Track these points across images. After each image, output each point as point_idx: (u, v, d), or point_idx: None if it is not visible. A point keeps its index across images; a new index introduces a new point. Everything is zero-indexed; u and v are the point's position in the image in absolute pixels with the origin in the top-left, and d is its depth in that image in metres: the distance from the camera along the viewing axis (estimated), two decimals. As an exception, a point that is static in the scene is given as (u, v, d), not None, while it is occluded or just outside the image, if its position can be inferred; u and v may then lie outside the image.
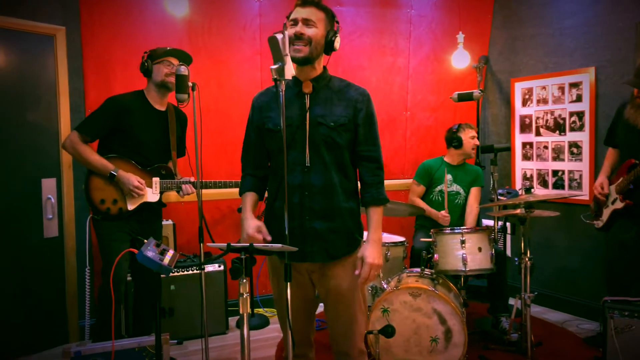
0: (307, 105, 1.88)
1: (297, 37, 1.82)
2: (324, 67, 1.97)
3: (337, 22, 1.94)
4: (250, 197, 1.97)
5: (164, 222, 3.33)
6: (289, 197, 1.82)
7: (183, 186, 2.80)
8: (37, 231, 3.18)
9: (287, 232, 1.73)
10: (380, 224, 1.95)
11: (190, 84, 2.55)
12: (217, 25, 3.62)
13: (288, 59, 1.71)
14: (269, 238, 1.83)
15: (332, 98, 1.90)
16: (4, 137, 3.03)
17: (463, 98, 3.79)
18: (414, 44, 4.20)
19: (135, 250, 1.86)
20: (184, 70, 2.51)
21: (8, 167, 3.05)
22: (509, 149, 3.66)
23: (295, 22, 1.86)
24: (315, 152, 1.85)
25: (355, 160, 1.96)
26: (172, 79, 2.64)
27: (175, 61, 2.74)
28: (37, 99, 3.18)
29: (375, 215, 1.93)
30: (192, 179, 2.83)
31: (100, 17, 3.34)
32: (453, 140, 3.65)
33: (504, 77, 4.23)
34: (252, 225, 1.84)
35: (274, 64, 1.73)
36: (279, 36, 1.70)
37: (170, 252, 2.04)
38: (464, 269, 2.84)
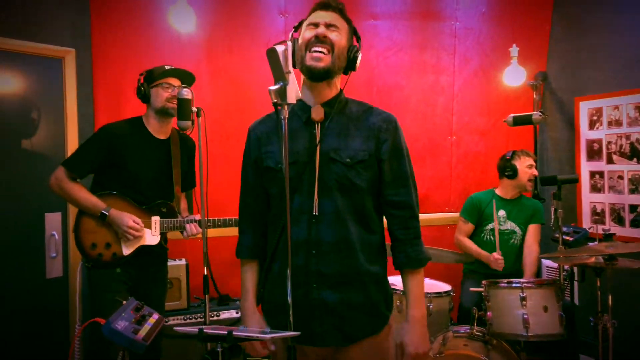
0: (318, 136, 1.46)
1: (318, 40, 1.43)
2: (340, 89, 1.55)
3: (359, 39, 1.55)
4: (250, 271, 1.57)
5: (176, 262, 2.99)
6: (291, 257, 1.39)
7: (187, 226, 2.40)
8: (39, 271, 2.89)
9: (290, 303, 1.30)
10: (422, 294, 1.50)
11: (194, 108, 2.20)
12: (238, 44, 3.30)
13: (292, 78, 1.31)
14: (272, 348, 1.40)
15: (349, 127, 1.48)
16: (7, 167, 2.80)
17: (520, 121, 3.26)
18: (460, 60, 3.73)
19: (102, 321, 1.47)
20: (186, 93, 2.16)
21: (10, 199, 2.80)
22: (576, 181, 3.10)
23: (315, 25, 1.46)
24: (326, 197, 1.43)
25: (382, 206, 1.52)
26: (174, 104, 2.28)
27: (176, 82, 2.37)
28: (42, 126, 2.94)
29: (413, 281, 1.48)
30: (198, 217, 2.44)
31: (112, 39, 3.08)
32: (506, 169, 3.14)
33: (566, 95, 3.68)
34: (254, 327, 1.45)
35: (275, 83, 1.33)
36: (280, 48, 1.30)
37: (154, 318, 1.64)
38: (525, 334, 2.29)
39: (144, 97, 2.37)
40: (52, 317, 2.93)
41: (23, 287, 2.83)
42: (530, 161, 3.15)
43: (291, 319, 1.29)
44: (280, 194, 1.45)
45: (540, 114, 3.21)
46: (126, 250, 2.31)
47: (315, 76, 1.45)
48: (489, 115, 3.81)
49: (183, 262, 3.07)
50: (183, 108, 2.15)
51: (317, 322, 1.41)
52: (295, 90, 1.31)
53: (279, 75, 1.31)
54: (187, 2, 3.01)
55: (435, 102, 3.74)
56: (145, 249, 2.36)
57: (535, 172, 3.15)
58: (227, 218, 2.49)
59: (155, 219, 2.39)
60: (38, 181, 2.89)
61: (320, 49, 1.43)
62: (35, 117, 2.91)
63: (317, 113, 1.47)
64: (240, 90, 3.31)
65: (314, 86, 1.49)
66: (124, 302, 1.62)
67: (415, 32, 3.64)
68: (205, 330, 1.12)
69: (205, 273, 2.26)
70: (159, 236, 2.40)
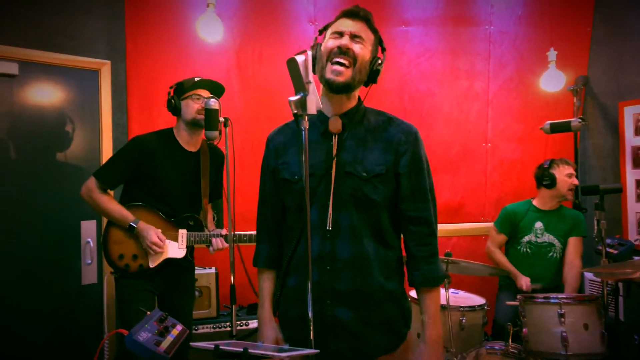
0: (335, 148, 1.42)
1: (340, 51, 1.38)
2: (359, 99, 1.50)
3: (384, 50, 1.49)
4: (267, 280, 1.55)
5: (205, 270, 3.00)
6: (305, 273, 1.35)
7: (213, 240, 2.40)
8: (75, 277, 2.97)
9: (311, 319, 1.26)
10: (438, 313, 1.43)
11: (221, 119, 2.19)
12: (268, 52, 3.30)
13: (312, 88, 1.28)
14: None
15: (367, 139, 1.44)
16: (45, 175, 2.89)
17: (558, 129, 3.11)
18: (494, 65, 3.61)
19: (125, 332, 1.48)
20: (213, 103, 2.16)
21: (48, 207, 2.89)
22: (620, 191, 2.93)
23: (340, 34, 1.41)
24: (341, 211, 1.39)
25: (399, 222, 1.46)
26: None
27: (206, 93, 2.38)
28: (78, 136, 3.03)
29: (429, 300, 1.42)
30: (224, 232, 2.44)
31: (145, 50, 3.15)
32: (544, 178, 3.00)
33: (610, 100, 3.50)
34: (270, 335, 1.43)
35: (295, 94, 1.30)
36: (300, 58, 1.28)
37: (177, 329, 1.63)
38: (564, 352, 2.16)
39: (175, 109, 2.38)
40: (86, 323, 3.00)
41: (59, 292, 2.91)
42: (570, 170, 3.00)
43: (312, 336, 1.25)
44: (296, 206, 1.43)
45: (580, 120, 3.05)
46: (152, 263, 2.32)
47: (334, 90, 1.41)
48: (526, 122, 3.67)
49: (213, 270, 3.08)
50: (210, 118, 2.15)
51: (331, 340, 1.38)
52: (315, 101, 1.28)
53: (299, 86, 1.28)
54: (216, 12, 3.04)
55: (469, 108, 3.63)
56: (171, 262, 2.37)
57: (576, 181, 3.00)
58: (253, 233, 2.46)
59: (183, 232, 2.39)
60: (74, 189, 2.95)
61: (342, 60, 1.38)
62: (71, 127, 3.00)
63: (335, 125, 1.43)
64: (270, 100, 3.31)
65: (333, 97, 1.45)
66: (149, 312, 1.62)
67: (448, 37, 3.55)
68: (221, 347, 1.10)
69: (232, 282, 2.25)
70: (185, 249, 2.39)
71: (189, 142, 2.43)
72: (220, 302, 3.05)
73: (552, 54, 3.42)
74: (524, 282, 2.84)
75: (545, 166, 3.03)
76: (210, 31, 3.03)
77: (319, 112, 1.46)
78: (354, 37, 1.41)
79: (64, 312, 2.91)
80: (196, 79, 2.39)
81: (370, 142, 1.43)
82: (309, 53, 1.28)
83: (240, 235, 2.45)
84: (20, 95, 2.83)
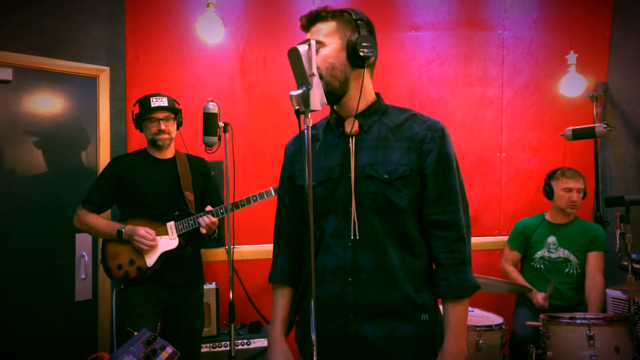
0: (352, 150, 1.28)
1: None
2: (378, 95, 1.36)
3: (361, 21, 1.28)
4: (282, 298, 1.42)
5: (206, 286, 2.84)
6: (325, 286, 1.26)
7: (200, 220, 2.35)
8: (69, 293, 2.82)
9: (313, 340, 1.12)
10: (464, 328, 1.28)
11: (220, 123, 2.07)
12: (272, 58, 3.18)
13: (316, 81, 1.14)
14: None
15: (388, 138, 1.30)
16: (40, 186, 2.78)
17: (581, 135, 2.94)
18: (509, 72, 3.47)
19: (106, 355, 1.32)
20: (212, 107, 2.04)
21: (42, 219, 2.76)
22: (647, 202, 2.74)
23: None
24: (362, 218, 1.26)
25: (425, 227, 1.32)
26: (164, 137, 2.38)
27: (162, 115, 2.40)
28: (75, 145, 2.91)
29: (455, 313, 1.27)
30: (208, 208, 2.39)
31: (145, 56, 3.04)
32: (544, 188, 2.85)
33: (632, 107, 3.34)
34: (279, 355, 1.32)
35: (297, 88, 1.16)
36: (302, 48, 1.14)
37: (167, 352, 1.48)
38: (594, 379, 1.98)
39: (140, 128, 2.46)
40: (79, 341, 2.84)
41: (52, 309, 2.76)
42: (570, 184, 2.80)
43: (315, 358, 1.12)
44: (315, 214, 1.30)
45: (605, 126, 2.87)
46: (150, 261, 2.31)
47: (329, 102, 1.29)
48: (543, 130, 3.51)
49: (213, 286, 2.92)
50: (209, 123, 2.04)
51: (356, 358, 1.25)
52: (319, 96, 1.14)
53: (302, 79, 1.14)
54: (220, 17, 2.93)
55: (482, 116, 3.48)
56: (172, 261, 2.35)
57: (575, 197, 2.80)
58: (250, 196, 2.41)
59: (170, 224, 2.40)
60: (70, 201, 2.85)
61: None
62: (67, 136, 2.88)
63: (351, 126, 1.31)
64: (275, 107, 3.18)
65: (339, 105, 1.33)
66: (135, 333, 1.47)
67: (460, 42, 3.42)
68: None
69: (231, 298, 2.10)
70: (177, 239, 2.37)
71: (161, 153, 2.49)
72: (221, 320, 2.89)
73: (572, 57, 3.27)
74: (540, 297, 2.65)
75: (547, 176, 2.89)
76: (211, 32, 2.92)
77: (336, 113, 1.34)
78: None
79: (56, 330, 2.76)
80: (153, 101, 2.36)
81: (392, 141, 1.29)
82: (313, 42, 1.15)
83: (237, 202, 2.40)
84: (14, 102, 2.71)
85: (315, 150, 1.34)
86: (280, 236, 1.47)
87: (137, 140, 2.98)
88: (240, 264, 3.05)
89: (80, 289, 2.87)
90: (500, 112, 3.49)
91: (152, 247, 2.29)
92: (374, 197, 1.25)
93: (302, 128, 1.15)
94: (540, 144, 3.52)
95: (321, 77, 1.24)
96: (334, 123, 1.35)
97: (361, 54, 1.23)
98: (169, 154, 2.50)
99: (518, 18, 3.46)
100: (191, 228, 2.37)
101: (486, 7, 3.43)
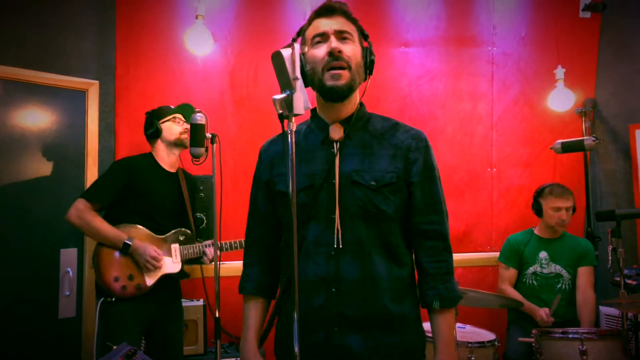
0: (337, 156, 1.27)
1: (333, 57, 1.23)
2: (361, 103, 1.36)
3: (367, 37, 1.35)
4: (254, 309, 1.37)
5: (193, 303, 2.80)
6: (307, 297, 1.22)
7: (207, 250, 2.36)
8: (52, 310, 2.74)
9: (296, 353, 1.08)
10: (452, 338, 1.26)
11: (208, 135, 2.05)
12: (262, 72, 3.19)
13: (299, 85, 1.13)
14: None
15: (373, 145, 1.29)
16: (24, 200, 2.72)
17: (570, 148, 2.95)
18: (498, 87, 3.49)
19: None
20: (200, 118, 2.03)
21: (25, 233, 2.70)
22: (639, 216, 2.73)
23: (324, 37, 1.26)
24: (347, 226, 1.23)
25: (411, 236, 1.30)
26: (188, 136, 2.29)
27: (182, 118, 2.46)
28: (62, 159, 2.87)
29: (444, 323, 1.25)
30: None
31: (135, 70, 3.03)
32: (533, 206, 2.85)
33: (620, 123, 3.37)
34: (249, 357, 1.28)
35: (281, 92, 1.15)
36: (286, 52, 1.12)
37: (147, 367, 1.43)
38: (588, 395, 1.94)
39: (155, 132, 2.42)
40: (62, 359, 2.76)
41: (34, 326, 2.68)
42: (559, 203, 2.79)
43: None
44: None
45: (594, 139, 2.89)
46: (149, 281, 2.26)
47: (337, 96, 1.27)
48: (533, 145, 3.52)
49: (201, 302, 2.86)
50: (196, 134, 2.02)
51: None
52: (303, 100, 1.12)
53: (286, 83, 1.13)
54: (210, 32, 2.94)
55: (472, 132, 3.49)
56: (166, 281, 2.32)
57: (564, 217, 2.80)
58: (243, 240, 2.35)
59: (175, 247, 2.37)
60: (56, 215, 2.80)
61: (337, 69, 1.24)
62: (55, 150, 2.84)
63: (336, 131, 1.30)
64: (265, 121, 3.16)
65: (333, 106, 1.31)
66: (115, 347, 1.42)
67: (450, 58, 3.45)
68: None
69: (217, 315, 2.05)
70: (180, 264, 2.36)
71: (168, 164, 2.48)
72: (209, 338, 2.82)
73: (559, 72, 3.31)
74: (543, 313, 2.62)
75: (537, 191, 2.88)
76: (199, 44, 2.92)
77: (319, 119, 1.33)
78: (339, 34, 1.26)
79: (39, 348, 2.67)
80: (173, 107, 2.49)
81: (377, 149, 1.29)
82: (297, 46, 1.13)
83: (230, 243, 2.43)
84: (1, 115, 2.68)
85: (296, 156, 1.32)
86: (253, 245, 1.42)
87: (125, 154, 2.94)
88: (227, 280, 2.98)
89: (64, 306, 2.80)
90: (491, 128, 3.50)
91: (158, 270, 2.27)
92: (362, 204, 1.23)
93: (286, 130, 1.13)
94: (530, 160, 3.52)
95: (349, 69, 1.26)
96: (317, 128, 1.34)
97: (373, 67, 1.31)
98: (174, 167, 2.50)
99: (507, 34, 3.50)
100: (195, 256, 2.38)
101: (475, 24, 3.47)
